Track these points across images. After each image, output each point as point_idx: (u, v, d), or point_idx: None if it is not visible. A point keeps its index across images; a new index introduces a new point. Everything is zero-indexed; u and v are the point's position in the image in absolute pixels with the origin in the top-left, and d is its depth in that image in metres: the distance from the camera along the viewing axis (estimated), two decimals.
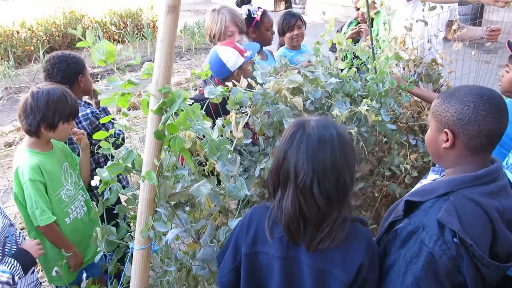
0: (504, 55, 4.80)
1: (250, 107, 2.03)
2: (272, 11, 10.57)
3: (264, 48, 3.36)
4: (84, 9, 10.10)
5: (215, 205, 1.84)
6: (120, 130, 2.54)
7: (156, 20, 10.03)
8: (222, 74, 2.53)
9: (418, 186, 1.68)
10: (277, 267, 1.41)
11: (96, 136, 1.55)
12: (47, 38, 9.29)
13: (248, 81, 2.12)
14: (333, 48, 3.22)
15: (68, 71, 2.70)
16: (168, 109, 1.42)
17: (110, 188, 1.70)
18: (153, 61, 2.28)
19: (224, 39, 3.00)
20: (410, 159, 2.49)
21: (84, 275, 2.38)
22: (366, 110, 2.11)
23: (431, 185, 1.44)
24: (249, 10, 3.19)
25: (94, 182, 1.71)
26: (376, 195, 2.67)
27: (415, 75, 2.66)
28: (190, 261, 1.73)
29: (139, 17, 10.30)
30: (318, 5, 10.46)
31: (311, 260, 1.38)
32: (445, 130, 1.40)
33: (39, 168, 2.32)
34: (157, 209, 1.54)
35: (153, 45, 9.44)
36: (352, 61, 2.50)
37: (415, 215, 1.39)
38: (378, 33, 3.56)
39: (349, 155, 1.34)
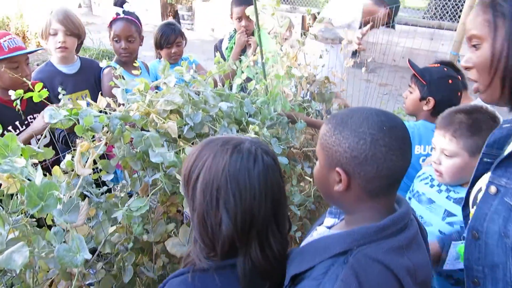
0: (382, 74, 5.02)
1: (106, 133, 1.56)
2: None
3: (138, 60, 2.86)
4: None
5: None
6: None
7: (26, 31, 8.90)
8: None
9: (309, 238, 1.33)
10: None
11: None
12: None
13: (106, 100, 1.65)
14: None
15: None
16: None
17: None
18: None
19: (46, 38, 2.53)
20: (306, 189, 2.17)
21: None
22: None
23: (325, 241, 1.08)
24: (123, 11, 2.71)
25: None
26: None
27: (308, 93, 2.38)
28: None
29: (6, 26, 8.91)
30: (207, 21, 10.25)
31: None
32: (337, 169, 1.07)
33: None
34: None
35: None
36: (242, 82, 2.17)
37: (303, 286, 1.02)
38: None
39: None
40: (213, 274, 1.12)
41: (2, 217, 1.13)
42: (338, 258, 1.01)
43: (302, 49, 2.25)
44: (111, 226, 1.61)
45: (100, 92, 2.16)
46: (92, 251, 1.51)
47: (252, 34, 3.34)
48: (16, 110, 2.13)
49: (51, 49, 2.57)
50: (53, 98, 2.37)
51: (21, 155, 1.17)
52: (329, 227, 1.28)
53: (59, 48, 2.52)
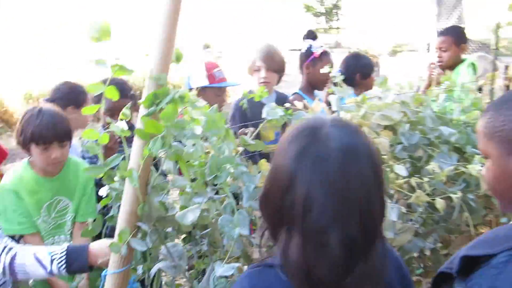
0: None
1: None
2: None
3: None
4: None
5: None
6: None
7: None
8: (186, 85, 2.52)
9: None
10: None
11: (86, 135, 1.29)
12: None
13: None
14: None
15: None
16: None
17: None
18: None
19: (252, 74, 2.76)
20: None
21: None
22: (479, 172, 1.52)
23: (505, 230, 0.96)
24: (310, 45, 2.87)
25: (102, 192, 1.39)
26: None
27: None
28: None
29: None
30: None
31: None
32: None
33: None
34: (139, 223, 1.26)
35: None
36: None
37: (478, 275, 0.91)
38: None
39: (381, 174, 0.92)
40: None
41: (187, 175, 1.31)
42: None
43: None
44: None
45: None
46: None
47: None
48: None
49: (255, 83, 2.79)
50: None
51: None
52: None
53: (261, 82, 2.71)
